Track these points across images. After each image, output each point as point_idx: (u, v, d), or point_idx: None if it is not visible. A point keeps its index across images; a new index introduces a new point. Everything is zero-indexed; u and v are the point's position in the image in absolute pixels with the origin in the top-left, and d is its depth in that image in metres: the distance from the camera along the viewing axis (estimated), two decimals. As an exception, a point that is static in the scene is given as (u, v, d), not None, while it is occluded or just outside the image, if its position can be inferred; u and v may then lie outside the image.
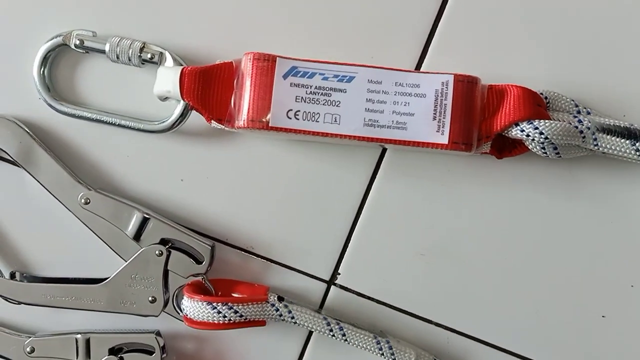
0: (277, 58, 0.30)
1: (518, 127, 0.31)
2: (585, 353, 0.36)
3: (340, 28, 0.34)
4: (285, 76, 0.30)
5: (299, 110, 0.30)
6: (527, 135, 0.31)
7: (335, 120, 0.30)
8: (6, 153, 0.35)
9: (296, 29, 0.35)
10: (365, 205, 0.36)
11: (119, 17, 0.35)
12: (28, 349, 0.36)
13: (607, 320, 0.35)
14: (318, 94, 0.30)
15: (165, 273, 0.35)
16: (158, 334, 0.36)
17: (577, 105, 0.33)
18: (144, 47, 0.33)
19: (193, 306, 0.33)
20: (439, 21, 0.34)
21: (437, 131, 0.30)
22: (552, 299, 0.36)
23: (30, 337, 0.36)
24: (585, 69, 0.34)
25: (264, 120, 0.30)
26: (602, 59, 0.34)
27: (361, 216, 0.36)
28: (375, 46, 0.34)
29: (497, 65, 0.34)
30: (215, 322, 0.33)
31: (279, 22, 0.35)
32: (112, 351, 0.35)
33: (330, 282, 0.36)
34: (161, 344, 0.35)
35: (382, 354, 0.35)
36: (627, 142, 0.31)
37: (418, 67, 0.34)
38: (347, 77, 0.30)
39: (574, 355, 0.36)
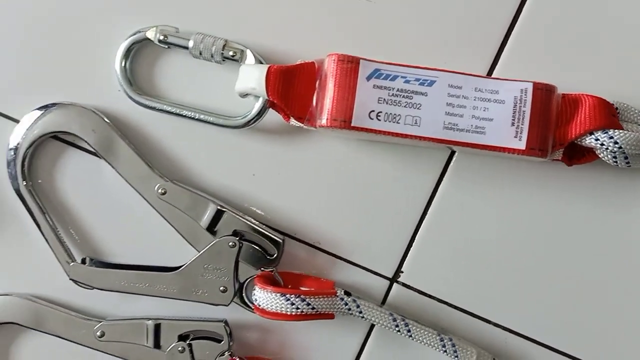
0: (361, 60, 0.31)
1: (593, 136, 0.31)
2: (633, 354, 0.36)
3: (415, 33, 0.35)
4: (368, 78, 0.31)
5: (380, 112, 0.31)
6: (602, 144, 0.31)
7: (416, 123, 0.31)
8: (86, 142, 0.35)
9: (370, 33, 0.35)
10: (431, 207, 0.36)
11: (198, 15, 0.36)
12: (98, 333, 0.36)
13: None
14: (400, 96, 0.31)
15: (237, 264, 0.35)
16: (226, 323, 0.36)
17: (645, 116, 0.33)
18: (226, 44, 0.34)
19: (266, 297, 0.34)
20: (511, 30, 0.35)
21: (515, 137, 0.31)
22: (607, 307, 0.36)
23: (100, 321, 0.37)
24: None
25: (346, 120, 0.31)
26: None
27: (427, 216, 0.36)
28: (448, 52, 0.35)
29: (568, 75, 0.34)
30: (287, 313, 0.33)
31: (355, 25, 0.35)
32: (181, 337, 0.36)
33: (393, 279, 0.37)
34: (229, 333, 0.36)
35: (445, 351, 0.35)
36: (698, 154, 0.32)
37: (489, 75, 0.34)
38: (429, 81, 0.31)
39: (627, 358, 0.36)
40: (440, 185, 0.36)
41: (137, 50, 0.35)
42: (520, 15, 0.35)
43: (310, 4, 0.35)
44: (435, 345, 0.35)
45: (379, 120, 0.31)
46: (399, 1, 0.35)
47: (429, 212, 0.36)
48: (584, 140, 0.32)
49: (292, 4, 0.35)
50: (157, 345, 0.36)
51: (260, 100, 0.34)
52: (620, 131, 0.31)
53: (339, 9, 0.35)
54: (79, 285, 0.36)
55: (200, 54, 0.34)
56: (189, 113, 0.35)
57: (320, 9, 0.35)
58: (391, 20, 0.35)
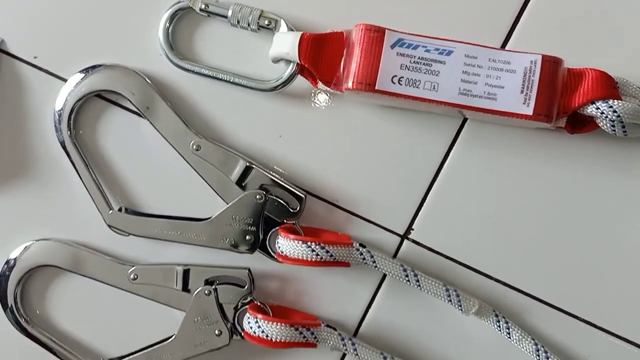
0: (386, 30, 0.34)
1: (594, 105, 0.34)
2: (631, 315, 0.39)
3: (437, 8, 0.38)
4: (392, 46, 0.34)
5: (402, 77, 0.34)
6: (602, 113, 0.34)
7: (434, 88, 0.34)
8: (129, 100, 0.38)
9: (395, 7, 0.38)
10: (442, 169, 0.39)
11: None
12: (132, 276, 0.39)
13: (651, 286, 0.39)
14: (420, 63, 0.34)
15: (262, 216, 0.38)
16: (250, 270, 0.39)
17: (642, 90, 0.36)
18: (261, 14, 0.37)
19: (289, 244, 0.37)
20: (525, 7, 0.38)
21: (523, 103, 0.33)
22: (604, 266, 0.39)
23: (134, 265, 0.39)
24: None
25: (370, 83, 0.34)
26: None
27: (438, 179, 0.39)
28: (466, 27, 0.37)
29: (575, 51, 0.37)
30: (308, 259, 0.36)
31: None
32: (208, 282, 0.39)
33: (404, 236, 0.40)
34: (251, 279, 0.39)
35: (450, 301, 0.38)
36: (689, 125, 0.35)
37: (503, 47, 0.37)
38: (447, 51, 0.34)
39: (622, 316, 0.39)
40: (452, 150, 0.39)
41: (180, 17, 0.38)
42: (531, -3, 0.38)
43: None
44: (442, 295, 0.38)
45: (401, 85, 0.34)
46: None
47: (440, 175, 0.39)
48: (585, 109, 0.34)
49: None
50: (185, 288, 0.39)
51: (291, 66, 0.36)
52: (620, 101, 0.34)
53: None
54: (115, 232, 0.39)
55: (238, 22, 0.37)
56: (224, 76, 0.38)
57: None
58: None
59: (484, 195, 0.39)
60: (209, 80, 0.38)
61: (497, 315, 0.39)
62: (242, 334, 0.38)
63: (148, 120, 0.38)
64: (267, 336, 0.37)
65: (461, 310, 0.38)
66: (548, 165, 0.38)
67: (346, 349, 0.39)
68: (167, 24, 0.38)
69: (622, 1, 0.38)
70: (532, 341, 0.39)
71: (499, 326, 0.39)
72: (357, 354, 0.39)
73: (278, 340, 0.37)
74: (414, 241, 0.40)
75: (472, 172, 0.39)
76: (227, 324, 0.39)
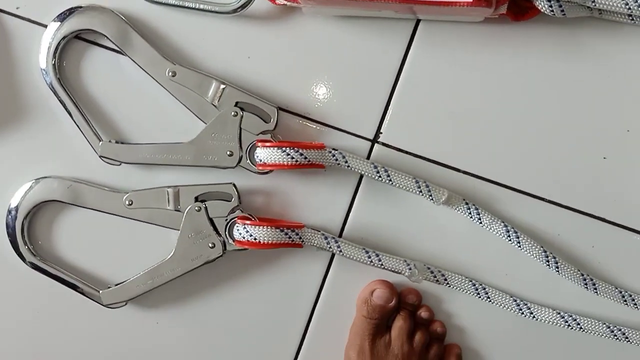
0: (331, -62, 0.36)
1: (531, -13, 0.37)
2: (590, 190, 0.42)
3: None
4: (338, -48, 0.36)
5: (350, -21, 0.36)
6: (538, -6, 0.36)
7: (380, -14, 0.36)
8: (107, 37, 0.41)
9: None
10: (402, 72, 0.41)
11: None
12: (127, 202, 0.42)
13: (608, 160, 0.41)
14: (365, -35, 0.36)
15: (240, 130, 0.41)
16: (234, 184, 0.42)
17: (577, -25, 0.38)
18: (218, -59, 0.39)
19: (267, 152, 0.39)
20: None
21: (464, -9, 0.36)
22: (562, 146, 0.41)
23: (128, 192, 0.42)
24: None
25: (322, -11, 0.36)
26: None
27: (399, 82, 0.42)
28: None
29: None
30: (286, 163, 0.39)
31: None
32: (197, 200, 0.42)
33: (374, 140, 0.42)
34: (237, 192, 0.42)
35: (421, 192, 0.40)
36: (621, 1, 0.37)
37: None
38: (389, -48, 0.36)
39: (582, 192, 0.42)
40: (409, 52, 0.41)
41: (144, -43, 0.41)
42: None
43: None
44: (412, 188, 0.41)
45: (349, -14, 0.36)
46: None
47: (400, 77, 0.41)
48: (524, -8, 0.37)
49: None
50: (177, 208, 0.42)
51: (251, -15, 0.39)
52: (553, -18, 0.36)
53: None
54: (107, 162, 0.42)
55: (197, -48, 0.39)
56: (190, 4, 0.40)
57: None
58: None
59: (444, 92, 0.41)
60: (177, 10, 0.41)
61: (467, 204, 0.41)
62: (234, 242, 0.41)
63: (126, 54, 0.41)
64: (255, 239, 0.40)
65: (432, 200, 0.41)
66: (500, 55, 0.41)
67: (330, 248, 0.41)
68: (134, -38, 0.40)
69: None
70: (502, 224, 0.41)
71: (470, 213, 0.41)
72: (341, 252, 0.41)
73: (266, 242, 0.40)
74: (384, 144, 0.42)
75: (430, 71, 0.41)
76: (219, 236, 0.41)
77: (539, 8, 0.38)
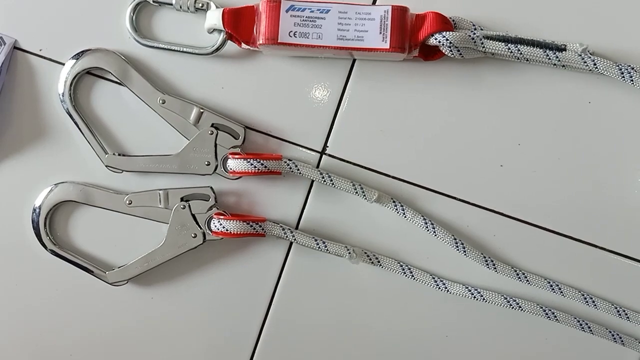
0: (282, 0, 0.47)
1: (433, 37, 0.47)
2: (491, 190, 0.52)
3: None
4: (287, 10, 0.46)
5: (296, 31, 0.46)
6: (439, 42, 0.47)
7: (319, 37, 0.46)
8: (111, 73, 0.51)
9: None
10: (343, 99, 0.52)
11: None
12: (127, 202, 0.52)
13: (504, 167, 0.51)
14: (307, 20, 0.46)
15: (215, 145, 0.51)
16: (212, 188, 0.52)
17: (473, 25, 0.49)
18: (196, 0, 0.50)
19: (236, 162, 0.50)
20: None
21: (382, 40, 0.46)
22: (468, 156, 0.51)
23: (128, 194, 0.53)
24: (483, 5, 0.50)
25: (275, 38, 0.47)
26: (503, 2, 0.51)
27: (340, 106, 0.52)
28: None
29: (426, 1, 0.50)
30: (250, 170, 0.49)
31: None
32: (182, 199, 0.52)
33: (322, 152, 0.52)
34: (214, 194, 0.52)
35: (356, 192, 0.51)
36: (502, 44, 0.47)
37: (374, 3, 0.50)
38: (325, 10, 0.46)
39: (485, 192, 0.52)
40: (348, 84, 0.51)
41: (139, 8, 0.51)
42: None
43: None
44: (350, 189, 0.51)
45: (296, 37, 0.46)
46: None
47: (342, 102, 0.52)
48: (429, 40, 0.47)
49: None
50: (166, 207, 0.52)
51: (222, 34, 0.49)
52: (451, 32, 0.47)
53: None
54: (112, 170, 0.52)
55: (181, 7, 0.50)
56: (176, 48, 0.50)
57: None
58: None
59: (376, 114, 0.52)
60: (165, 52, 0.51)
61: (394, 202, 0.52)
62: (212, 233, 0.51)
63: (126, 86, 0.51)
64: (227, 230, 0.50)
65: (366, 199, 0.51)
66: (417, 85, 0.51)
67: (287, 237, 0.52)
68: (132, 14, 0.51)
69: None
70: (422, 217, 0.52)
71: (397, 209, 0.52)
72: (295, 240, 0.52)
73: (236, 232, 0.50)
74: (329, 155, 0.53)
75: (365, 98, 0.52)
76: (200, 228, 0.52)
77: (444, 52, 0.48)
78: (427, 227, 0.51)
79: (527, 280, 0.52)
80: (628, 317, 0.52)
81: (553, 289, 0.52)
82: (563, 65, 0.49)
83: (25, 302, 0.55)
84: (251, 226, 0.50)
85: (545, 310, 0.52)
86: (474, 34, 0.47)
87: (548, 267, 0.52)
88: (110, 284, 0.53)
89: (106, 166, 0.52)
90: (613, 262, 0.52)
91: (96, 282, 0.53)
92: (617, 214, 0.51)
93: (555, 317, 0.52)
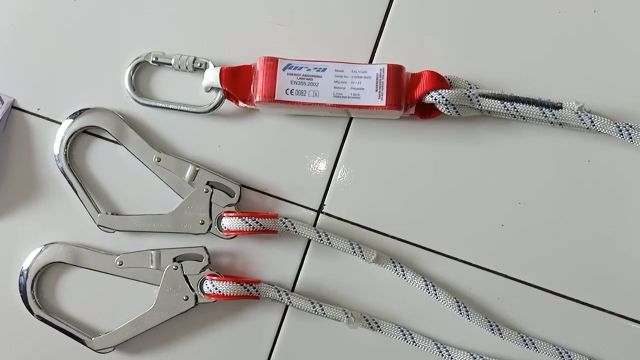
0: (279, 59, 0.47)
1: (429, 94, 0.47)
2: (493, 251, 0.50)
3: (316, 35, 0.51)
4: (284, 69, 0.47)
5: (293, 89, 0.47)
6: (435, 99, 0.47)
7: (316, 95, 0.47)
8: (107, 132, 0.51)
9: (286, 43, 0.51)
10: (340, 158, 0.51)
11: (176, 42, 0.52)
12: (118, 262, 0.50)
13: (505, 227, 0.50)
14: (304, 79, 0.47)
15: (210, 204, 0.50)
16: (205, 248, 0.50)
17: (469, 84, 0.49)
18: (195, 59, 0.50)
19: (230, 221, 0.48)
20: (383, 28, 0.51)
21: (378, 98, 0.46)
22: (468, 216, 0.50)
23: (119, 254, 0.51)
24: (478, 64, 0.51)
25: (272, 95, 0.47)
26: (490, 57, 0.51)
27: (337, 165, 0.51)
28: (343, 48, 0.51)
29: (423, 59, 0.50)
30: (245, 229, 0.48)
31: (275, 40, 0.52)
32: (175, 260, 0.50)
33: (319, 211, 0.51)
34: (207, 254, 0.50)
35: (354, 252, 0.49)
36: (498, 102, 0.47)
37: (371, 59, 0.50)
38: (322, 69, 0.47)
39: (487, 253, 0.50)
40: (345, 142, 0.51)
41: (139, 68, 0.52)
42: (388, 17, 0.51)
43: (246, 31, 0.52)
44: (347, 249, 0.49)
45: (292, 95, 0.46)
46: (306, 23, 0.52)
47: (339, 161, 0.51)
48: (425, 98, 0.47)
49: (236, 32, 0.52)
50: (158, 267, 0.50)
51: (219, 93, 0.50)
52: (447, 90, 0.47)
53: (264, 31, 0.52)
54: (104, 230, 0.51)
55: (179, 67, 0.50)
56: (174, 106, 0.51)
57: (253, 31, 0.52)
58: (300, 34, 0.52)
59: (374, 173, 0.51)
60: (163, 110, 0.51)
61: (393, 262, 0.50)
62: (204, 295, 0.49)
63: (122, 145, 0.51)
64: (220, 292, 0.48)
65: (364, 259, 0.49)
66: (414, 143, 0.50)
67: (282, 300, 0.49)
68: (131, 74, 0.51)
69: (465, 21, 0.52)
70: (422, 279, 0.50)
71: (396, 270, 0.50)
72: (291, 303, 0.49)
73: (229, 294, 0.48)
74: (326, 214, 0.51)
75: (362, 156, 0.51)
76: (192, 290, 0.49)
77: (441, 110, 0.48)
78: (428, 289, 0.49)
79: (535, 347, 0.49)
80: (644, 387, 0.49)
81: (562, 356, 0.49)
82: (560, 124, 0.49)
83: (6, 369, 0.52)
84: (245, 288, 0.48)
85: (555, 379, 0.49)
86: (470, 91, 0.47)
87: (556, 332, 0.50)
88: (95, 351, 0.50)
89: (98, 226, 0.51)
90: (624, 328, 0.49)
91: (82, 349, 0.50)
92: (624, 275, 0.49)
93: (567, 386, 0.49)
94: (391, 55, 0.51)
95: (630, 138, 0.47)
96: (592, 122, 0.47)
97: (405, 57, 0.50)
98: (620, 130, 0.47)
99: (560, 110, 0.47)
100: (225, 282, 0.48)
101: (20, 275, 0.51)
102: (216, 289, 0.48)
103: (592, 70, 0.51)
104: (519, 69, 0.51)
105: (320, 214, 0.51)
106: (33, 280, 0.51)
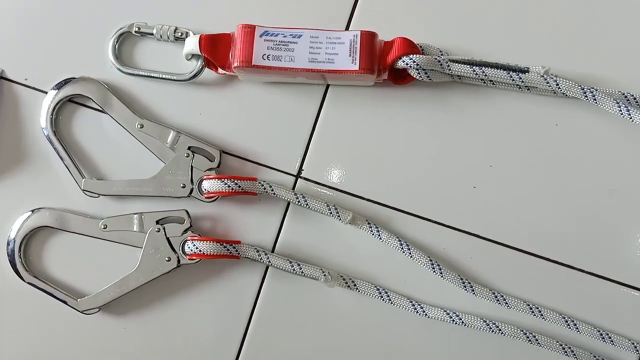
0: (256, 26, 0.49)
1: (401, 59, 0.49)
2: (466, 213, 0.52)
3: (294, 5, 0.53)
4: (261, 36, 0.48)
5: (269, 55, 0.48)
6: (407, 64, 0.48)
7: (292, 60, 0.48)
8: (92, 100, 0.52)
9: (262, 10, 0.53)
10: (317, 124, 0.53)
11: (158, 12, 0.54)
12: (102, 226, 0.52)
13: (477, 189, 0.52)
14: (281, 45, 0.48)
15: (191, 169, 0.51)
16: (187, 211, 0.52)
17: (440, 51, 0.51)
18: (176, 29, 0.52)
19: (210, 183, 0.50)
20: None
21: (352, 63, 0.48)
22: (441, 178, 0.52)
23: (103, 218, 0.52)
24: (451, 34, 0.53)
25: (249, 61, 0.48)
26: (461, 26, 0.53)
27: (315, 131, 0.53)
28: (317, 16, 0.53)
29: (396, 29, 0.52)
30: (225, 190, 0.49)
31: (253, 7, 0.53)
32: (157, 222, 0.52)
33: (297, 175, 0.53)
34: (189, 217, 0.52)
35: (331, 213, 0.50)
36: (468, 67, 0.49)
37: (347, 28, 0.52)
38: (298, 35, 0.48)
39: (460, 214, 0.52)
40: (322, 108, 0.53)
41: (122, 39, 0.53)
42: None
43: (226, 1, 0.54)
44: (324, 210, 0.51)
45: (269, 60, 0.48)
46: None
47: (316, 127, 0.53)
48: (397, 63, 0.49)
49: (217, 2, 0.54)
50: (141, 230, 0.52)
51: (199, 60, 0.51)
52: (418, 55, 0.48)
53: (244, 2, 0.54)
54: (88, 194, 0.52)
55: (161, 37, 0.52)
56: (156, 75, 0.52)
57: (233, 2, 0.54)
58: (279, 4, 0.53)
59: (350, 138, 0.53)
60: (145, 79, 0.53)
61: (369, 223, 0.51)
62: (186, 256, 0.51)
63: (106, 112, 0.52)
64: (200, 251, 0.50)
65: (340, 220, 0.51)
66: (387, 109, 0.52)
67: (262, 260, 0.51)
68: (114, 44, 0.53)
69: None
70: (397, 239, 0.51)
71: (372, 231, 0.51)
72: (270, 263, 0.51)
73: (209, 253, 0.49)
74: (305, 178, 0.53)
75: (338, 122, 0.53)
76: (174, 252, 0.51)
77: (413, 75, 0.50)
78: (402, 248, 0.51)
79: (507, 304, 0.51)
80: (612, 341, 0.50)
81: (533, 312, 0.51)
82: (528, 88, 0.51)
83: (-6, 332, 0.53)
84: (225, 248, 0.50)
85: (526, 334, 0.50)
86: (441, 57, 0.49)
87: (527, 289, 0.51)
88: (81, 312, 0.52)
89: (83, 190, 0.52)
90: (591, 284, 0.51)
91: (69, 311, 0.52)
92: (590, 234, 0.51)
93: (537, 341, 0.50)
94: (366, 24, 0.52)
95: (595, 100, 0.49)
96: (557, 85, 0.49)
97: (379, 26, 0.51)
98: (585, 93, 0.49)
99: (527, 74, 0.49)
100: (206, 242, 0.50)
101: (8, 240, 0.52)
102: (197, 248, 0.50)
103: (558, 39, 0.52)
104: (488, 40, 0.52)
105: (299, 179, 0.53)
106: (20, 245, 0.52)
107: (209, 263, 0.52)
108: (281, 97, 0.53)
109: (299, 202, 0.51)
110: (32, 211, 0.52)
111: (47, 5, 0.54)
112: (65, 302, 0.52)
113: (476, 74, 0.49)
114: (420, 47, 0.50)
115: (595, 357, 0.50)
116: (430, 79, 0.49)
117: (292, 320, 0.52)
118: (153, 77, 0.52)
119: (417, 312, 0.51)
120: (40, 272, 0.53)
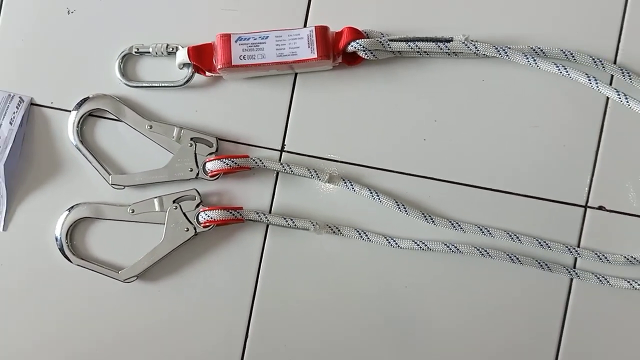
0: (231, 34, 0.61)
1: (350, 44, 0.60)
2: (420, 160, 0.64)
3: (259, 14, 0.65)
4: (236, 41, 0.60)
5: (245, 55, 0.60)
6: (355, 47, 0.60)
7: (263, 57, 0.60)
8: (108, 112, 0.64)
9: (235, 18, 0.65)
10: (292, 105, 0.64)
11: (153, 34, 0.65)
12: (130, 211, 0.64)
13: (427, 141, 0.64)
14: (252, 46, 0.60)
15: (195, 155, 0.63)
16: (197, 190, 0.64)
17: (381, 33, 0.62)
18: (168, 45, 0.63)
19: (212, 163, 0.62)
20: (310, 2, 0.65)
21: (311, 52, 0.59)
22: (397, 137, 0.64)
23: (130, 205, 0.64)
24: (388, 19, 0.65)
25: (229, 62, 0.60)
26: (395, 13, 0.65)
27: (291, 111, 0.65)
28: (279, 19, 0.64)
29: (345, 22, 0.64)
30: (224, 168, 0.61)
31: (226, 20, 0.65)
32: (174, 202, 0.64)
33: (281, 150, 0.65)
34: (199, 194, 0.64)
35: (312, 175, 0.62)
36: (403, 43, 0.61)
37: (304, 25, 0.64)
38: (265, 37, 0.60)
39: (415, 162, 0.64)
40: (294, 93, 0.64)
41: (125, 59, 0.65)
42: None
43: (205, 18, 0.66)
44: (306, 174, 0.62)
45: (245, 59, 0.60)
46: (250, 6, 0.65)
47: (292, 108, 0.64)
48: (348, 48, 0.60)
49: (198, 20, 0.66)
50: (162, 210, 0.64)
51: (190, 68, 0.63)
52: (363, 39, 0.60)
53: (219, 17, 0.65)
54: (115, 188, 0.64)
55: (156, 54, 0.64)
56: (156, 84, 0.64)
57: (211, 18, 0.65)
58: (247, 15, 0.65)
59: (321, 114, 0.64)
60: (148, 89, 0.64)
61: (344, 180, 0.63)
62: (201, 225, 0.63)
63: (121, 120, 0.64)
64: (212, 218, 0.62)
65: (320, 180, 0.63)
66: (347, 86, 0.63)
67: (261, 219, 0.63)
68: (119, 64, 0.64)
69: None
70: (367, 189, 0.63)
71: (347, 186, 0.63)
72: (268, 220, 0.63)
73: (219, 219, 0.61)
74: (287, 151, 0.65)
75: (310, 102, 0.64)
76: (190, 223, 0.63)
77: (362, 56, 0.62)
78: (372, 196, 0.63)
79: (462, 229, 0.63)
80: (550, 247, 0.62)
81: (484, 233, 0.63)
82: (455, 54, 0.62)
83: (53, 309, 0.65)
84: (231, 213, 0.62)
85: (480, 251, 0.62)
86: (382, 38, 0.61)
87: (477, 216, 0.63)
88: (122, 281, 0.63)
89: (111, 185, 0.64)
90: (529, 204, 0.63)
91: (112, 283, 0.63)
92: (519, 163, 0.63)
93: (489, 255, 0.62)
94: (320, 19, 0.64)
95: (507, 56, 0.61)
96: (476, 47, 0.61)
97: (331, 19, 0.63)
98: (499, 51, 0.61)
99: (451, 42, 0.61)
100: (215, 210, 0.62)
101: (56, 233, 0.64)
102: (209, 216, 0.62)
103: (478, 7, 0.64)
104: (420, 18, 0.64)
105: (283, 152, 0.65)
106: (67, 235, 0.64)
107: (220, 230, 0.63)
108: (260, 89, 0.65)
109: (285, 170, 0.63)
110: (72, 207, 0.64)
111: (61, 41, 0.66)
112: (109, 276, 0.64)
113: (411, 48, 0.61)
114: (365, 32, 0.62)
115: (537, 261, 0.62)
116: (376, 57, 0.61)
117: (292, 265, 0.64)
118: (154, 86, 0.64)
119: (391, 245, 0.63)
120: (85, 254, 0.65)
